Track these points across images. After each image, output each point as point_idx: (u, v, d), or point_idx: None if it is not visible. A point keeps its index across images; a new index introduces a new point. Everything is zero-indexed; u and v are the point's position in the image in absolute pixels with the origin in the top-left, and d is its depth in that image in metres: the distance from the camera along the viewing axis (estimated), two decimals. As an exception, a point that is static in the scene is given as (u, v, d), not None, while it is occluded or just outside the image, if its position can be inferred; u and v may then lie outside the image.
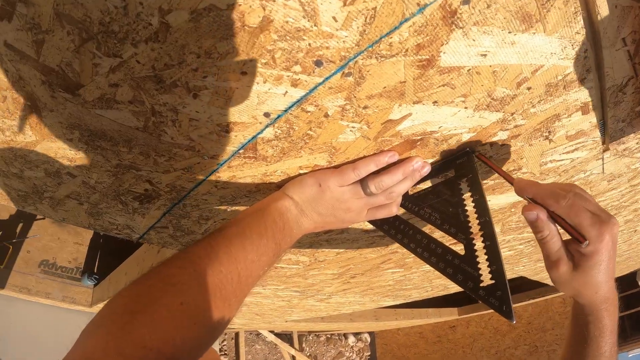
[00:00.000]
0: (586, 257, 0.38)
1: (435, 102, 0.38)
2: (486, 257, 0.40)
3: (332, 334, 3.66)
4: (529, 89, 0.39)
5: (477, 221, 0.42)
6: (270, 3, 0.28)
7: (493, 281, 0.39)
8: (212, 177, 0.54)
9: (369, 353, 3.78)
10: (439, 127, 0.42)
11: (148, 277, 0.35)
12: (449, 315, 2.75)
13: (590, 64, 0.39)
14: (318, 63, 0.33)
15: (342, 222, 0.50)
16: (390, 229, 0.51)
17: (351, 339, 3.70)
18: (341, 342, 3.66)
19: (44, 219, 1.77)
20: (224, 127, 0.43)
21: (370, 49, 0.31)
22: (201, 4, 0.29)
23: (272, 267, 0.45)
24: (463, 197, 0.46)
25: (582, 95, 0.43)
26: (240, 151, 0.47)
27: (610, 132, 0.50)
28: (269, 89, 0.36)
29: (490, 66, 0.35)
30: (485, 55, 0.34)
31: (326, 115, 0.39)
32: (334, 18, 0.29)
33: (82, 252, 1.83)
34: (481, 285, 0.40)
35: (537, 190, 0.40)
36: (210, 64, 0.34)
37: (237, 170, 0.51)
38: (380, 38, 0.30)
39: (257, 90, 0.37)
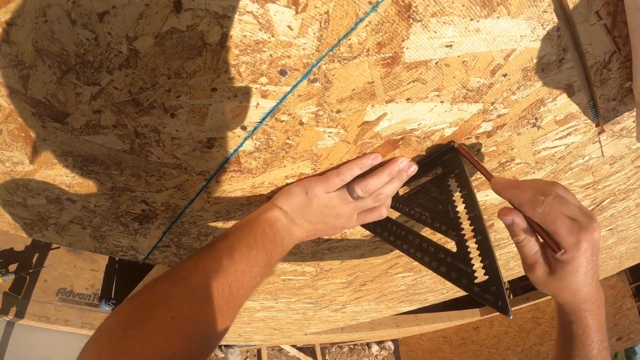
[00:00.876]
0: (562, 264, 0.37)
1: (409, 99, 0.38)
2: (478, 252, 0.39)
3: (354, 344, 3.59)
4: (504, 75, 0.39)
5: (467, 217, 0.41)
6: (226, 20, 0.29)
7: (487, 277, 0.38)
8: (203, 194, 0.54)
9: (394, 360, 3.70)
10: (418, 125, 0.42)
11: (141, 294, 0.36)
12: (472, 316, 2.66)
13: (566, 42, 0.38)
14: (282, 72, 0.33)
15: (334, 229, 0.50)
16: (383, 232, 0.51)
17: (374, 348, 3.62)
18: (364, 351, 3.58)
19: (59, 248, 1.83)
20: (205, 143, 0.43)
21: (330, 53, 0.31)
22: (163, 28, 0.30)
23: (265, 277, 0.45)
24: (452, 193, 0.45)
25: (564, 76, 0.42)
26: (225, 165, 0.47)
27: (602, 113, 0.48)
28: (241, 102, 0.37)
29: (459, 56, 0.35)
30: (450, 46, 0.33)
31: (301, 123, 0.40)
32: (289, 27, 0.29)
33: (98, 278, 1.87)
34: (475, 281, 0.39)
35: (514, 193, 0.39)
36: (181, 84, 0.35)
37: (226, 185, 0.52)
38: (339, 41, 0.30)
39: (230, 104, 0.37)
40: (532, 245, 0.39)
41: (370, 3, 0.28)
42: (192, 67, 0.34)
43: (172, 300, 0.35)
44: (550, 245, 0.37)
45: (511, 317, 0.36)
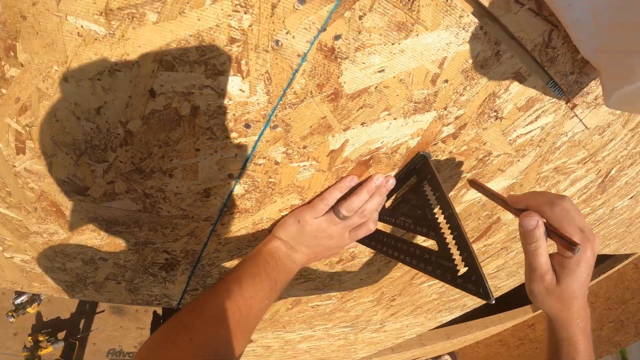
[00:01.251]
0: (568, 271, 0.40)
1: (363, 123, 0.42)
2: (457, 247, 0.41)
3: (411, 365, 3.43)
4: (446, 82, 0.41)
5: (443, 216, 0.44)
6: (191, 96, 0.36)
7: (467, 268, 0.40)
8: (213, 237, 0.60)
9: (454, 372, 3.49)
10: (382, 142, 0.46)
11: (165, 325, 0.43)
12: (524, 314, 2.48)
13: (496, 36, 0.39)
14: (247, 126, 0.39)
15: (329, 249, 0.53)
16: (377, 244, 0.53)
17: (433, 365, 3.44)
18: (418, 370, 3.40)
19: (103, 311, 1.95)
20: (203, 194, 0.50)
21: (281, 102, 0.37)
22: (146, 111, 0.38)
23: (273, 299, 0.50)
24: (428, 197, 0.47)
25: (507, 66, 0.42)
26: (224, 209, 0.53)
27: (566, 89, 0.48)
28: (222, 156, 0.43)
29: (394, 77, 0.38)
30: (382, 70, 0.37)
31: (277, 163, 0.45)
32: (241, 90, 0.35)
33: (145, 335, 1.97)
34: (458, 274, 0.41)
35: (532, 198, 0.41)
36: (171, 150, 0.42)
37: (230, 226, 0.58)
38: (284, 91, 0.36)
39: (213, 159, 0.44)
40: (546, 253, 0.41)
41: (299, 56, 0.33)
42: (175, 135, 0.40)
43: (190, 326, 0.41)
44: (569, 241, 0.38)
45: (493, 302, 0.38)
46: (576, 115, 0.56)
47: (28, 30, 0.30)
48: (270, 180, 0.48)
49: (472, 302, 1.43)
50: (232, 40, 0.31)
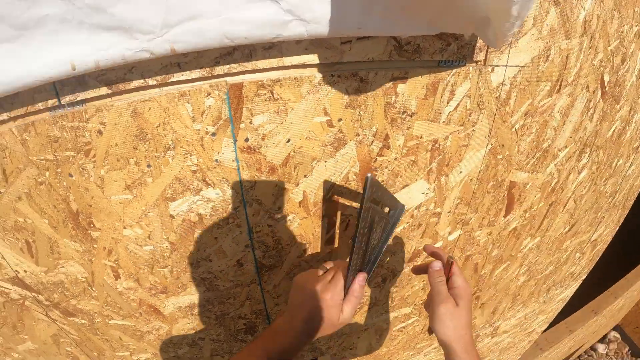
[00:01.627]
0: (459, 297, 0.57)
1: (305, 175, 0.55)
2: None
3: (578, 356, 2.88)
4: (340, 120, 0.51)
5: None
6: (192, 209, 0.54)
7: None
8: (266, 293, 0.76)
9: (627, 347, 2.80)
10: (331, 179, 0.58)
11: None
12: None
13: (351, 69, 0.47)
14: (236, 209, 0.56)
15: (314, 297, 0.53)
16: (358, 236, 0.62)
17: (601, 347, 2.84)
18: (593, 357, 2.81)
19: None
20: (237, 265, 0.67)
21: (243, 189, 0.53)
22: (174, 227, 0.57)
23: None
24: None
25: (380, 81, 0.49)
26: (259, 270, 0.69)
27: (458, 57, 0.50)
28: (233, 235, 0.60)
29: (300, 139, 0.51)
30: (289, 140, 0.51)
31: (269, 225, 0.60)
32: (217, 194, 0.53)
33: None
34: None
35: (432, 248, 0.64)
36: (200, 243, 0.61)
37: (272, 281, 0.73)
38: (240, 183, 0.52)
39: (229, 239, 0.61)
40: (445, 284, 0.58)
41: (233, 160, 0.50)
42: (198, 234, 0.59)
43: None
44: (447, 267, 0.59)
45: (403, 205, 0.58)
46: (495, 66, 0.55)
47: (95, 211, 0.53)
48: (274, 238, 0.63)
49: (576, 268, 1.27)
50: (194, 172, 0.50)
